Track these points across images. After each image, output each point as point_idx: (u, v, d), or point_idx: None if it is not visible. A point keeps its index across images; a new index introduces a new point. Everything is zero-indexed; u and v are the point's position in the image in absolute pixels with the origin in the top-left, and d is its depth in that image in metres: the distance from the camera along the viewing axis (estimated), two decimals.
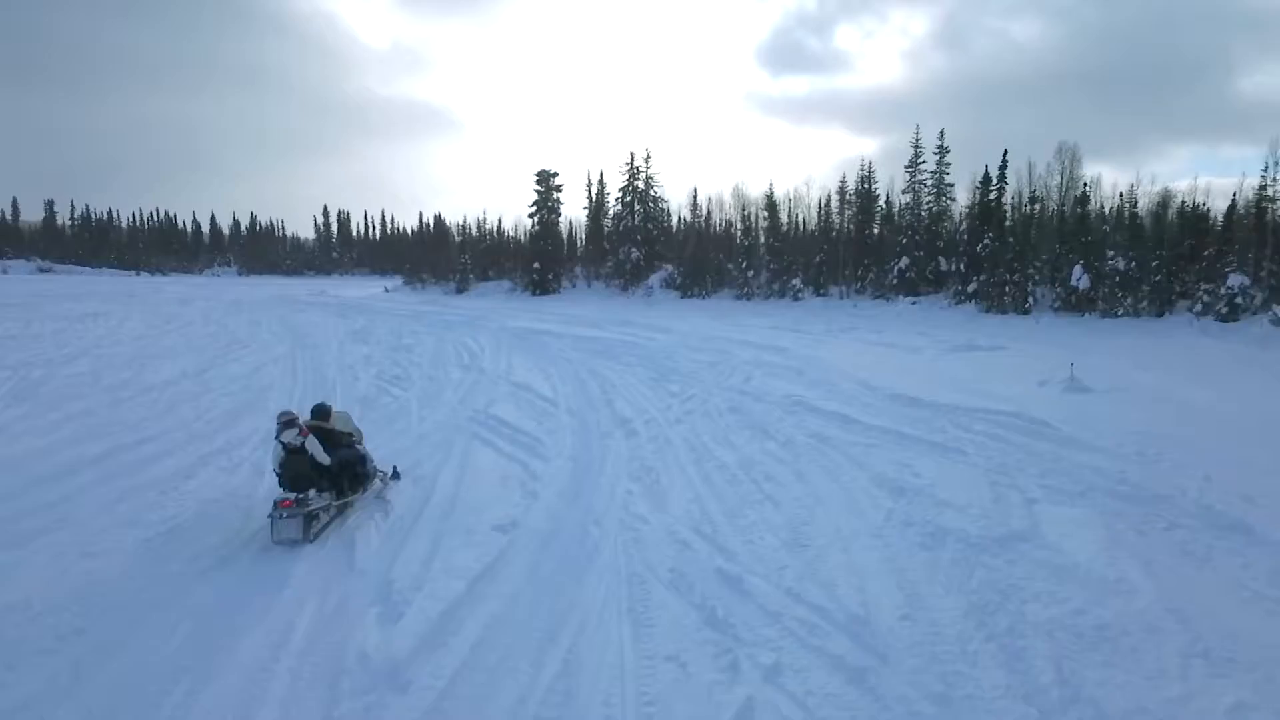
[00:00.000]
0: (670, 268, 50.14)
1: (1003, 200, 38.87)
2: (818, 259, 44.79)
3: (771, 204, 49.21)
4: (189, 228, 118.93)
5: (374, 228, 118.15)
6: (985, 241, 36.77)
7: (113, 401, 12.39)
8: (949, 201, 44.17)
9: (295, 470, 6.55)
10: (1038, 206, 37.93)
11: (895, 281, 41.31)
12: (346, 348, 20.01)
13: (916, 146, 43.45)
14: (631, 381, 14.69)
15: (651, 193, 54.00)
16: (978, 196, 39.33)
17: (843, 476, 8.16)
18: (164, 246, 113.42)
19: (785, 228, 49.90)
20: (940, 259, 41.61)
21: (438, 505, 7.30)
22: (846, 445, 9.51)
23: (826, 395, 13.38)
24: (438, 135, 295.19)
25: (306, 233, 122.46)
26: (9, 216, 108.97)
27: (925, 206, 43.78)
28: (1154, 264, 31.91)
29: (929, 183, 43.80)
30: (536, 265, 52.61)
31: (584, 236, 62.31)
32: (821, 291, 44.11)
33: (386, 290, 62.64)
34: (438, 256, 64.80)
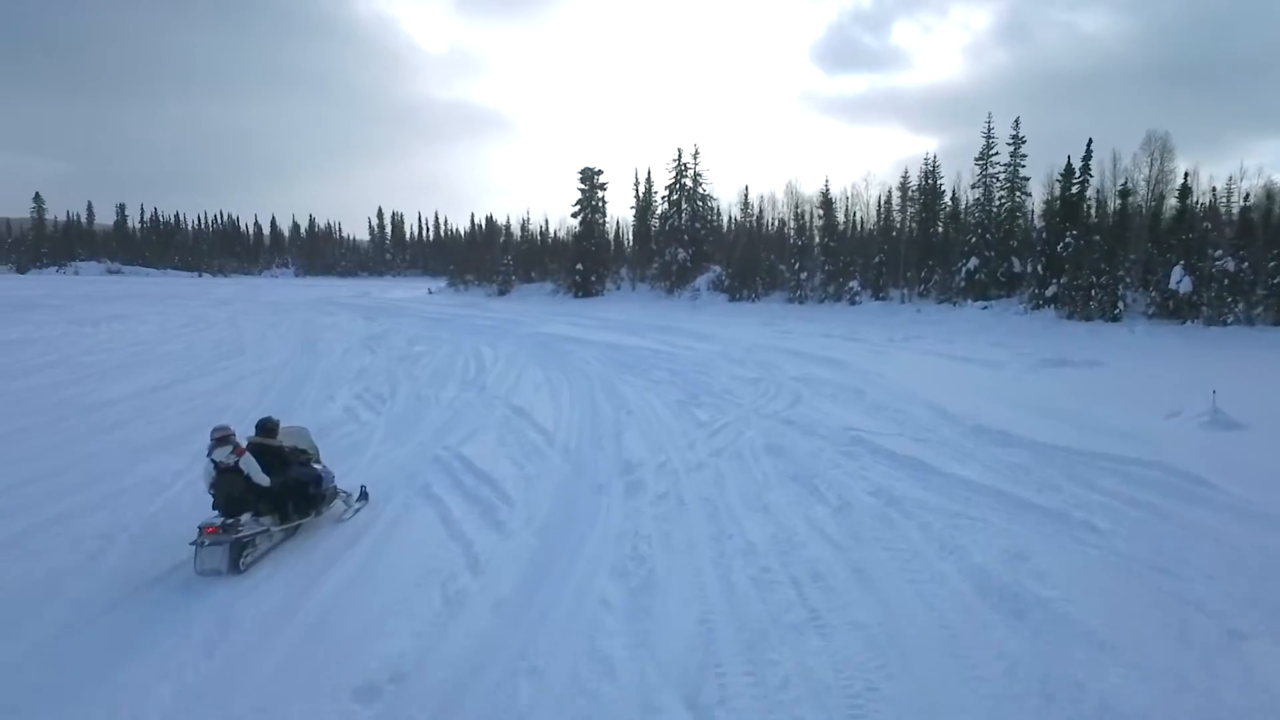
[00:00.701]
0: (718, 269, 47.48)
1: (1085, 194, 35.03)
2: (877, 259, 41.48)
3: (827, 201, 46.07)
4: (250, 230, 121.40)
5: (427, 229, 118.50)
6: (1067, 240, 33.06)
7: (53, 421, 10.68)
8: (1023, 197, 40.34)
9: (228, 491, 6.01)
10: (1128, 201, 33.88)
11: (963, 284, 37.80)
12: (349, 357, 18.18)
13: (989, 136, 39.77)
14: (655, 405, 12.29)
15: (699, 190, 51.44)
16: (1058, 190, 35.52)
17: (925, 575, 5.57)
18: (226, 248, 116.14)
19: (841, 226, 46.71)
20: (1014, 259, 37.93)
21: (300, 630, 4.87)
22: (926, 513, 6.89)
23: (893, 427, 10.72)
24: (491, 137, 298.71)
25: (362, 234, 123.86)
26: (84, 220, 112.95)
27: (998, 202, 40.03)
28: (1270, 264, 27.83)
29: (1001, 176, 40.06)
30: (579, 266, 50.61)
31: (631, 237, 60.18)
32: (880, 295, 40.81)
33: (430, 292, 61.69)
34: (482, 258, 63.52)
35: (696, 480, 8.03)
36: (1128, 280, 31.70)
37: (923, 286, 40.40)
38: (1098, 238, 32.21)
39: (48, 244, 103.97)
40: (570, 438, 9.94)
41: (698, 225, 51.17)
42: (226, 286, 67.20)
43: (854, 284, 40.59)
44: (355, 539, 6.34)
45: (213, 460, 6.07)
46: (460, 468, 8.35)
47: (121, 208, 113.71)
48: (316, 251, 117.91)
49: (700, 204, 51.76)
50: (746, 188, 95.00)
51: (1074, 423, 11.07)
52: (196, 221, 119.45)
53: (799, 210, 46.29)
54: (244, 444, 6.27)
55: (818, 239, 45.36)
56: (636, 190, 57.78)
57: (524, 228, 63.74)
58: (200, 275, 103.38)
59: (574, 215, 52.46)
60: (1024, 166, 39.66)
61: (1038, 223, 38.98)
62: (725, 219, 56.40)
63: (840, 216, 47.14)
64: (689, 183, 51.18)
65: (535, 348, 20.70)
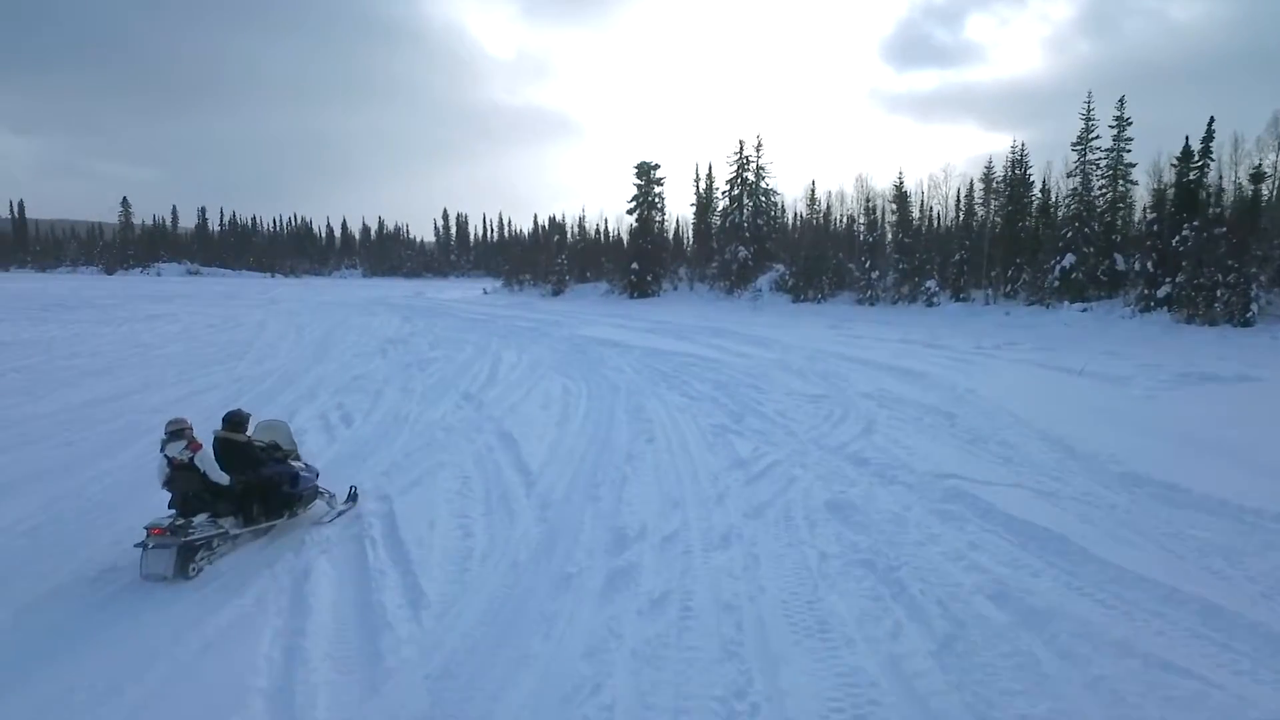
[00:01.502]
0: (782, 268, 44.34)
1: (1205, 180, 30.45)
2: (957, 257, 37.57)
3: (901, 194, 42.34)
4: (322, 232, 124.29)
5: (491, 230, 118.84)
6: (1185, 233, 28.68)
7: None
8: (1128, 186, 35.76)
9: (183, 490, 5.57)
10: (1262, 187, 29.18)
11: (1056, 284, 33.61)
12: (354, 363, 16.26)
13: (1088, 118, 35.35)
14: (686, 430, 9.73)
15: (762, 184, 48.35)
16: (1173, 177, 31.03)
17: None
18: (299, 250, 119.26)
19: (917, 222, 42.85)
20: (1117, 256, 33.53)
21: None
22: (1097, 652, 4.12)
23: (1004, 470, 7.87)
24: (557, 140, 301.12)
25: (429, 236, 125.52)
26: (168, 224, 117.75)
27: (1097, 191, 35.58)
28: None
29: (1102, 164, 35.59)
30: (634, 266, 48.28)
31: (690, 235, 57.51)
32: (961, 296, 36.91)
33: (485, 292, 60.62)
34: (537, 258, 62.02)
35: (718, 566, 5.39)
36: (1261, 279, 27.17)
37: (1009, 287, 36.30)
38: (1223, 230, 27.77)
39: (133, 247, 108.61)
40: (558, 482, 7.44)
41: (760, 221, 48.13)
42: (288, 287, 67.83)
43: (931, 284, 36.86)
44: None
45: (166, 456, 5.59)
46: (380, 534, 5.97)
47: (202, 211, 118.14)
48: (384, 253, 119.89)
49: (763, 199, 48.69)
50: (814, 181, 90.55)
51: (1263, 467, 7.94)
52: (272, 224, 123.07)
53: (870, 204, 42.69)
54: (203, 440, 5.74)
55: (890, 235, 41.73)
56: (697, 186, 55.24)
57: (580, 226, 61.82)
58: (272, 276, 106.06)
59: (630, 212, 50.20)
60: (1129, 151, 35.13)
61: (1145, 214, 34.40)
62: (790, 216, 53.16)
63: (915, 212, 43.31)
64: (751, 176, 48.20)
65: (568, 353, 18.39)
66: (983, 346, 20.50)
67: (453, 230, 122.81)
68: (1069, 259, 33.45)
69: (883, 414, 10.74)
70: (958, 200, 43.20)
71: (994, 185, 40.70)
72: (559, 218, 75.08)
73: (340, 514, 6.59)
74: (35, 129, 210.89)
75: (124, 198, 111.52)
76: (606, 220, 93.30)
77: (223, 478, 5.67)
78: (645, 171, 49.39)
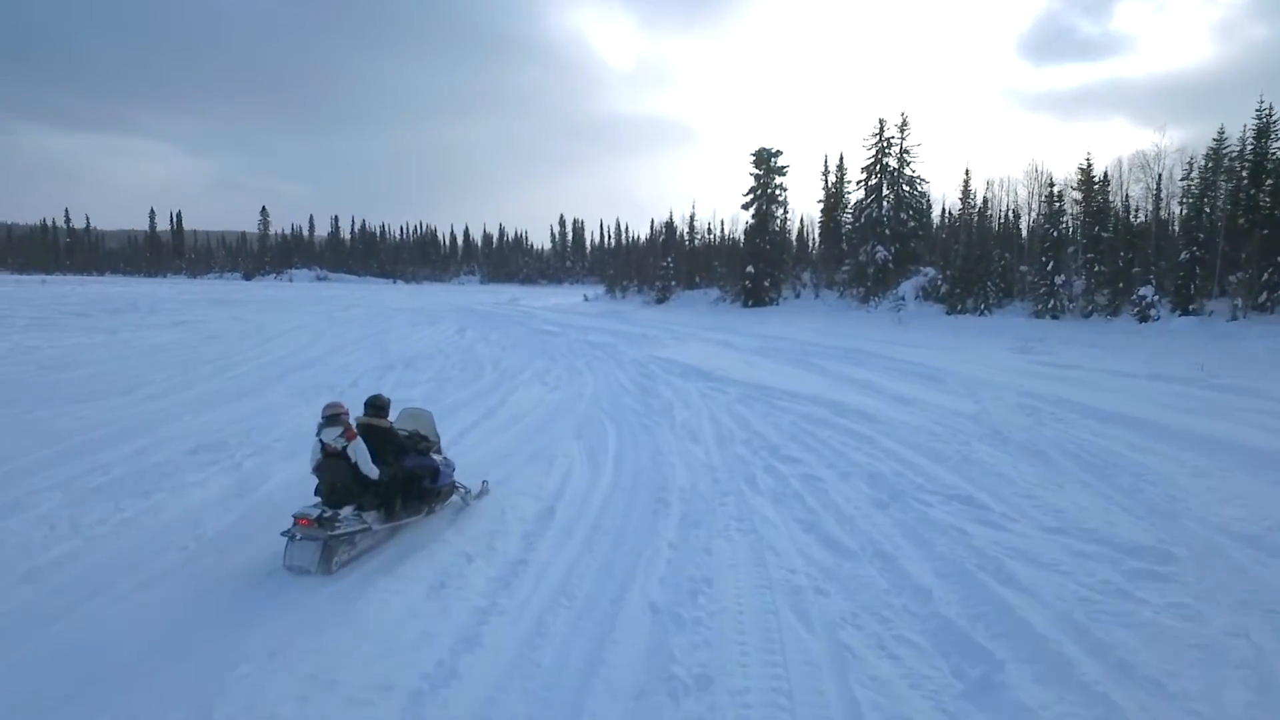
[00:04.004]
0: (931, 271, 36.19)
1: None
2: (1185, 256, 28.10)
3: (1088, 179, 33.16)
4: (446, 240, 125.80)
5: (608, 236, 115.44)
6: None
7: None
8: None
9: (332, 479, 5.25)
10: None
11: None
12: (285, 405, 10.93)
13: None
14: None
15: (906, 173, 40.23)
16: None
17: None
18: (422, 257, 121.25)
19: (1116, 210, 33.40)
20: None
21: None
22: None
23: None
24: (677, 146, 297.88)
25: (549, 243, 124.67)
26: (305, 233, 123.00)
27: None
28: None
29: None
30: (749, 269, 41.50)
31: (814, 234, 50.04)
32: (1192, 307, 27.48)
33: (585, 299, 55.92)
34: (642, 262, 56.60)
35: None
36: None
37: (1264, 296, 26.55)
38: None
39: (270, 254, 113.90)
40: None
41: (904, 215, 40.04)
42: (394, 293, 66.38)
43: (1146, 291, 27.70)
44: None
45: (320, 440, 5.29)
46: None
47: (335, 219, 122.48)
48: (501, 260, 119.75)
49: (906, 189, 40.52)
50: (968, 171, 77.83)
51: None
52: (399, 232, 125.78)
53: (1052, 191, 33.62)
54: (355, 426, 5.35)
55: (1077, 232, 32.71)
56: (825, 179, 47.69)
57: (690, 225, 55.59)
58: (394, 282, 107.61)
59: (745, 206, 43.42)
60: None
61: None
62: (937, 210, 44.46)
63: (1112, 200, 33.81)
64: (893, 163, 40.21)
65: (625, 390, 12.32)
66: None
67: (569, 236, 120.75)
68: None
69: None
70: (1157, 188, 33.32)
71: (1225, 162, 30.72)
72: (670, 219, 69.19)
73: (471, 508, 6.08)
74: (205, 150, 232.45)
75: (263, 207, 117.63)
76: (722, 221, 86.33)
77: (373, 470, 5.27)
78: (765, 159, 42.45)
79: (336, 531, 4.99)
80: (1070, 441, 8.40)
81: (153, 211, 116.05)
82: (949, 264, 35.36)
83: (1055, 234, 32.26)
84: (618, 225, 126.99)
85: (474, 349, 18.38)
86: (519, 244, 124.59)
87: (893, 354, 17.65)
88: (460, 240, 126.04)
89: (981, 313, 32.17)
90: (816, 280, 43.38)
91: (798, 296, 42.86)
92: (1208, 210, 28.65)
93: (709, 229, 57.36)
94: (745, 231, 44.16)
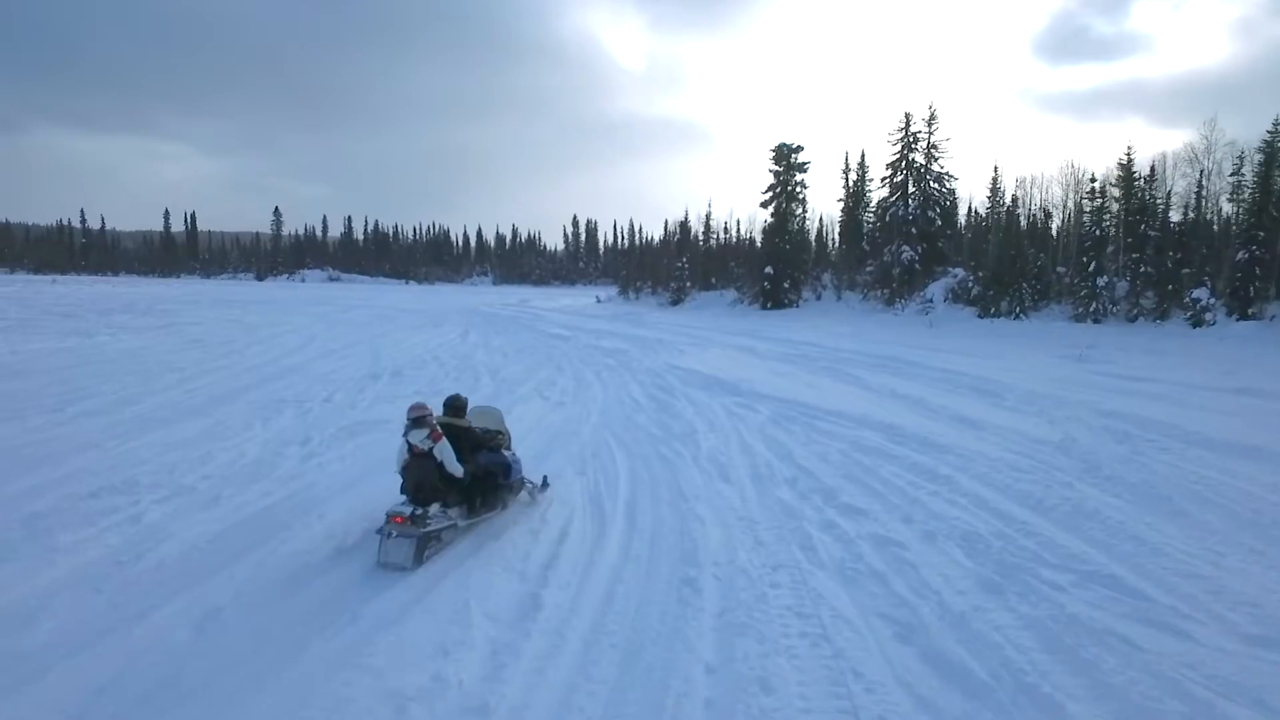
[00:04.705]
0: (961, 272, 34.30)
1: None
2: (1242, 256, 26.06)
3: (1128, 174, 31.14)
4: (458, 240, 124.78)
5: (621, 237, 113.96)
6: None
7: None
8: None
9: (418, 478, 5.27)
10: None
11: None
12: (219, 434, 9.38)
13: None
14: None
15: (933, 168, 38.33)
16: None
17: None
18: (435, 257, 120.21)
19: (1161, 207, 31.34)
20: None
21: None
22: None
23: None
24: (690, 147, 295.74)
25: (562, 244, 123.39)
26: (319, 233, 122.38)
27: None
28: None
29: None
30: (768, 270, 39.74)
31: (835, 234, 48.16)
32: (1250, 312, 25.45)
33: (598, 300, 54.37)
34: (657, 263, 54.98)
35: None
36: None
37: None
38: None
39: (282, 254, 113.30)
40: None
41: (932, 214, 38.14)
42: (402, 292, 65.12)
43: (1201, 294, 25.70)
44: None
45: (407, 442, 5.34)
46: None
47: (348, 220, 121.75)
48: (514, 261, 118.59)
49: (935, 186, 38.61)
50: (996, 168, 73.99)
51: None
52: (412, 232, 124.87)
53: (1093, 186, 31.62)
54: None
55: (1118, 230, 30.71)
56: (845, 178, 45.82)
57: (706, 225, 53.87)
58: (406, 283, 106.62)
59: (764, 204, 41.66)
60: None
61: None
62: (962, 210, 42.43)
63: (1158, 196, 31.75)
64: (919, 159, 38.32)
65: (640, 405, 10.70)
66: None
67: (582, 237, 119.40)
68: None
69: None
70: (1202, 183, 31.21)
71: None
72: (685, 219, 67.38)
73: (536, 502, 6.19)
74: (221, 151, 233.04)
75: (275, 208, 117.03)
76: (738, 221, 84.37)
77: (458, 469, 5.36)
78: (785, 155, 40.67)
79: (429, 528, 5.05)
80: (1195, 481, 6.69)
81: (167, 212, 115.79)
82: (980, 265, 33.47)
83: (1098, 232, 30.32)
84: (631, 226, 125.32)
85: (473, 355, 16.82)
86: (532, 245, 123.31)
87: (933, 362, 15.92)
88: (473, 241, 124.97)
89: (1017, 316, 30.23)
90: (837, 282, 41.53)
91: (818, 298, 41.05)
92: (1273, 210, 26.47)
93: (725, 229, 55.70)
94: (764, 231, 42.44)
